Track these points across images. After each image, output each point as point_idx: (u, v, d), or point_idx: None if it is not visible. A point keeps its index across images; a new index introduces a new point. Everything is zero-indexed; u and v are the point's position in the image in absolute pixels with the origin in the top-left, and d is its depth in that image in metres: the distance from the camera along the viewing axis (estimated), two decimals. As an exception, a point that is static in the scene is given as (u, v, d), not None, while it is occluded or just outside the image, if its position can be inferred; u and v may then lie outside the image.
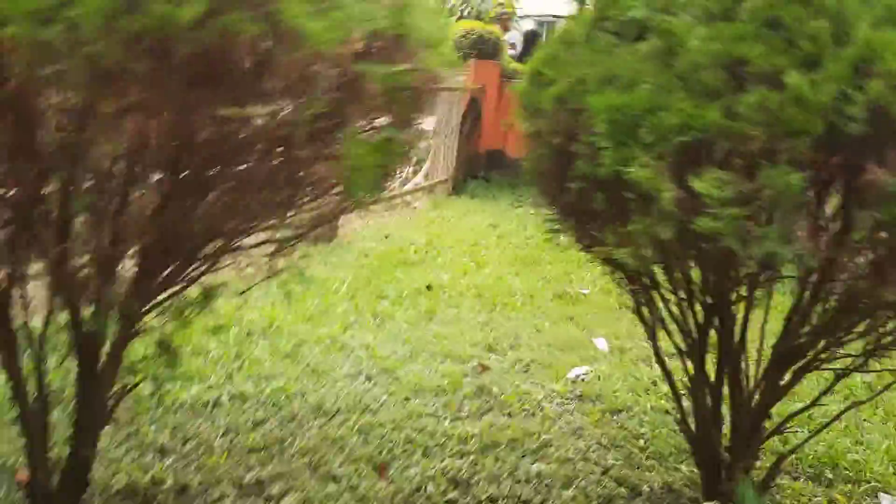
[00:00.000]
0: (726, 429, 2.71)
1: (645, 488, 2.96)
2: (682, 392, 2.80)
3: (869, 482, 3.25)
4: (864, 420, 3.95)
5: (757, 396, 2.48)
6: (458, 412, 3.51)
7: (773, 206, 1.64)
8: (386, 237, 6.88)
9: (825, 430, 3.69)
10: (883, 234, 1.68)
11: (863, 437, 3.68)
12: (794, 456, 3.39)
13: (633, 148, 1.77)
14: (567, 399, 3.83)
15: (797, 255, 1.66)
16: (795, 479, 3.22)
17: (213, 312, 4.24)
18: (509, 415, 3.54)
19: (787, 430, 2.92)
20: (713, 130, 1.72)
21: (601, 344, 4.66)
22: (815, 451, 3.44)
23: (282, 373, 3.61)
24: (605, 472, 3.06)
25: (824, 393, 2.54)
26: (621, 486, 2.97)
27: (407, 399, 3.56)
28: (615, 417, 3.64)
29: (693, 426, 2.67)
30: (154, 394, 2.73)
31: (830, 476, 3.27)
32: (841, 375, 2.39)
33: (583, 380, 4.06)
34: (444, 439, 3.20)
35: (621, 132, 1.79)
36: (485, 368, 4.06)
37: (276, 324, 4.20)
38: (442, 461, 3.00)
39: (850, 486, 3.21)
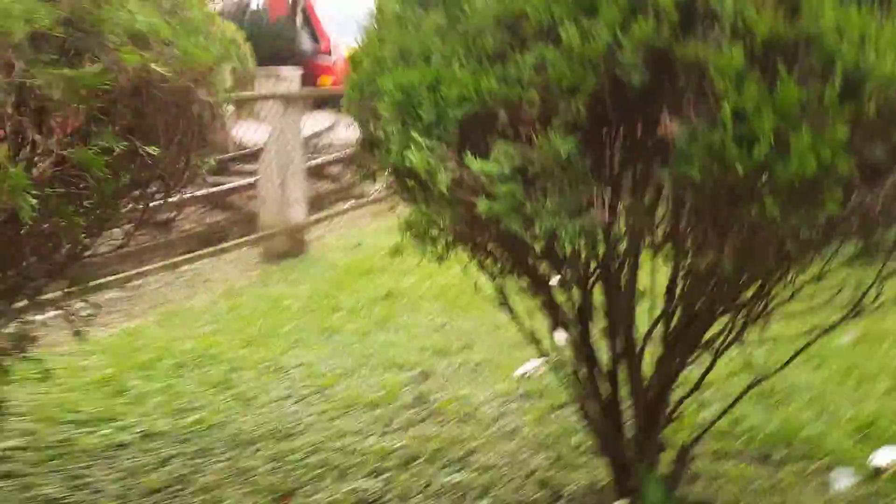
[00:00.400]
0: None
1: (568, 489, 2.76)
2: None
3: (824, 457, 2.99)
4: (838, 387, 3.69)
5: (654, 382, 2.28)
6: (388, 426, 3.34)
7: (548, 177, 1.45)
8: (357, 246, 6.73)
9: (786, 405, 3.49)
10: (681, 195, 1.47)
11: (827, 408, 3.42)
12: (746, 436, 3.18)
13: (415, 129, 1.59)
14: (509, 399, 3.64)
15: (583, 230, 1.47)
16: (740, 461, 2.98)
17: (144, 348, 4.15)
18: (441, 423, 3.37)
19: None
20: (492, 99, 1.53)
21: (559, 336, 4.44)
22: (768, 428, 3.20)
23: (205, 404, 3.48)
24: (528, 476, 2.87)
25: (706, 373, 2.32)
26: (543, 488, 2.78)
27: (334, 418, 3.40)
28: (556, 414, 3.44)
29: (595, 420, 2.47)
30: None
31: (781, 455, 3.02)
32: (719, 353, 2.17)
33: (530, 377, 3.87)
34: (362, 458, 3.03)
35: (406, 113, 1.62)
36: (427, 376, 3.89)
37: (212, 351, 4.08)
38: (354, 482, 2.84)
39: (801, 463, 2.97)
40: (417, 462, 2.99)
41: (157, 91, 1.61)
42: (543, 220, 1.43)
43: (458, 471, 2.93)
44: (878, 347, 4.12)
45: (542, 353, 2.58)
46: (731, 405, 2.51)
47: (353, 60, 2.04)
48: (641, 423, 2.29)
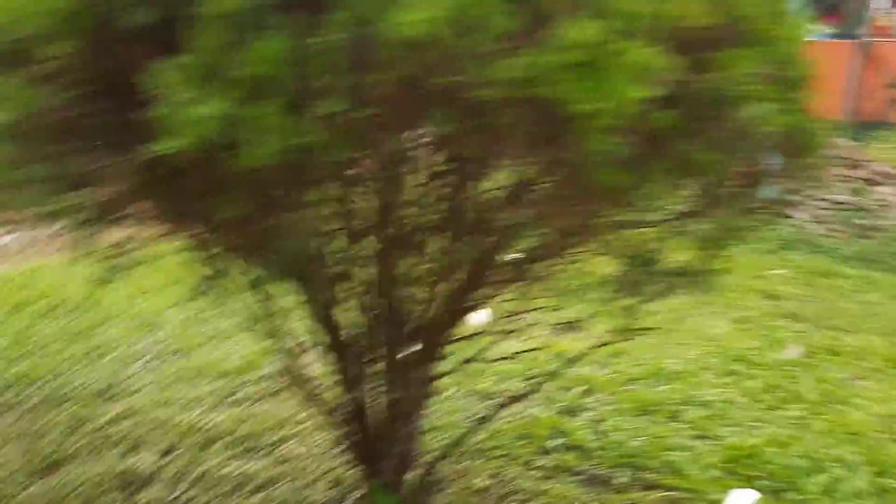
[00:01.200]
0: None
1: (359, 492, 2.47)
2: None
3: (672, 490, 2.59)
4: (745, 406, 3.21)
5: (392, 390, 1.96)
6: (224, 399, 3.11)
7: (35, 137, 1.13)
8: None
9: (673, 420, 3.06)
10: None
11: (712, 430, 2.97)
12: (602, 452, 2.80)
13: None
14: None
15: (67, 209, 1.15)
16: (575, 481, 2.61)
17: (29, 287, 4.00)
18: (281, 402, 3.11)
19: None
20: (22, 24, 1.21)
21: (482, 316, 4.05)
22: (630, 445, 2.81)
23: (48, 354, 3.34)
24: (327, 472, 2.59)
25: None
26: (334, 488, 2.50)
27: (173, 384, 3.20)
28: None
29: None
30: None
31: (627, 478, 2.63)
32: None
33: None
34: (165, 432, 2.81)
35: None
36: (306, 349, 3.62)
37: (98, 298, 3.92)
38: (135, 459, 2.63)
39: (644, 492, 2.58)
40: (219, 444, 2.75)
41: None
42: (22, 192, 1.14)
43: (256, 459, 2.67)
44: (819, 367, 3.60)
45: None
46: (478, 426, 2.16)
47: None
48: (378, 433, 1.98)
